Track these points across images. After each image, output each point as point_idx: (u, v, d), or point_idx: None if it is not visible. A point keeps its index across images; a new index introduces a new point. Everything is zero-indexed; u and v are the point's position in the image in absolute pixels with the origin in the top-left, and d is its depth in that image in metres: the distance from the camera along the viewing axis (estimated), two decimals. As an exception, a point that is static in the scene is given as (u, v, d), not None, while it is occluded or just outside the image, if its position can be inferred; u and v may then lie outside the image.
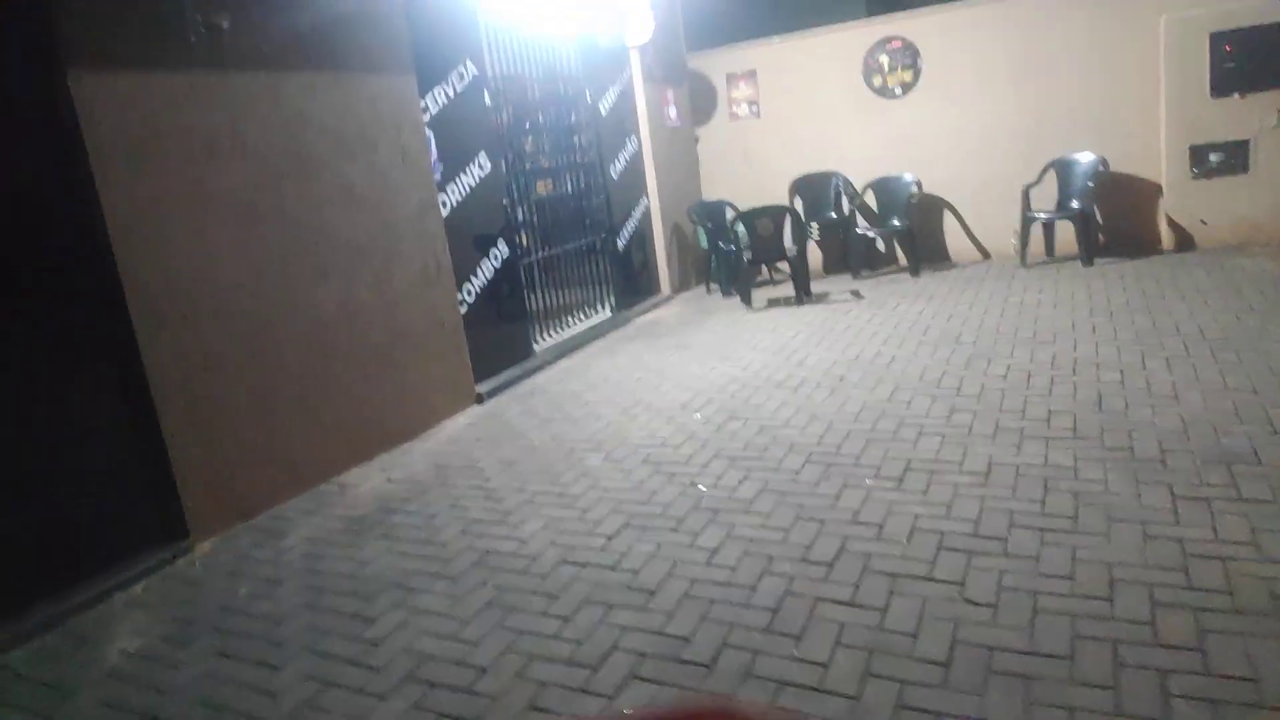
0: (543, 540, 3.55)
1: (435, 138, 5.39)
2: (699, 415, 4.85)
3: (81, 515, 3.55)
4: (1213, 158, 7.08)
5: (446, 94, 5.54)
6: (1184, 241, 7.38)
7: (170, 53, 3.82)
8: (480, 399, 5.62)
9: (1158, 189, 7.44)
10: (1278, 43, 6.68)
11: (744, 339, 6.44)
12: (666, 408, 5.07)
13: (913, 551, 3.12)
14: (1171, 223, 7.39)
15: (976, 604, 2.76)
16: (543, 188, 8.62)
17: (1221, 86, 6.92)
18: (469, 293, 5.67)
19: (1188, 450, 3.62)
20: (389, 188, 4.96)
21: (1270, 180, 6.92)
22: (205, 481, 3.91)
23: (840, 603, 2.86)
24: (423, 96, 5.30)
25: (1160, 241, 7.55)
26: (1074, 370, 4.76)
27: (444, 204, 5.45)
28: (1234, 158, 7.01)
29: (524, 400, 5.60)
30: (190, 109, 3.89)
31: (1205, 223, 7.21)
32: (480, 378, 5.72)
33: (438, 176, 5.40)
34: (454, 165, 5.59)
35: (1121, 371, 4.63)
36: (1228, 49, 6.86)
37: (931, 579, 2.93)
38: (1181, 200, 7.29)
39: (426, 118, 5.33)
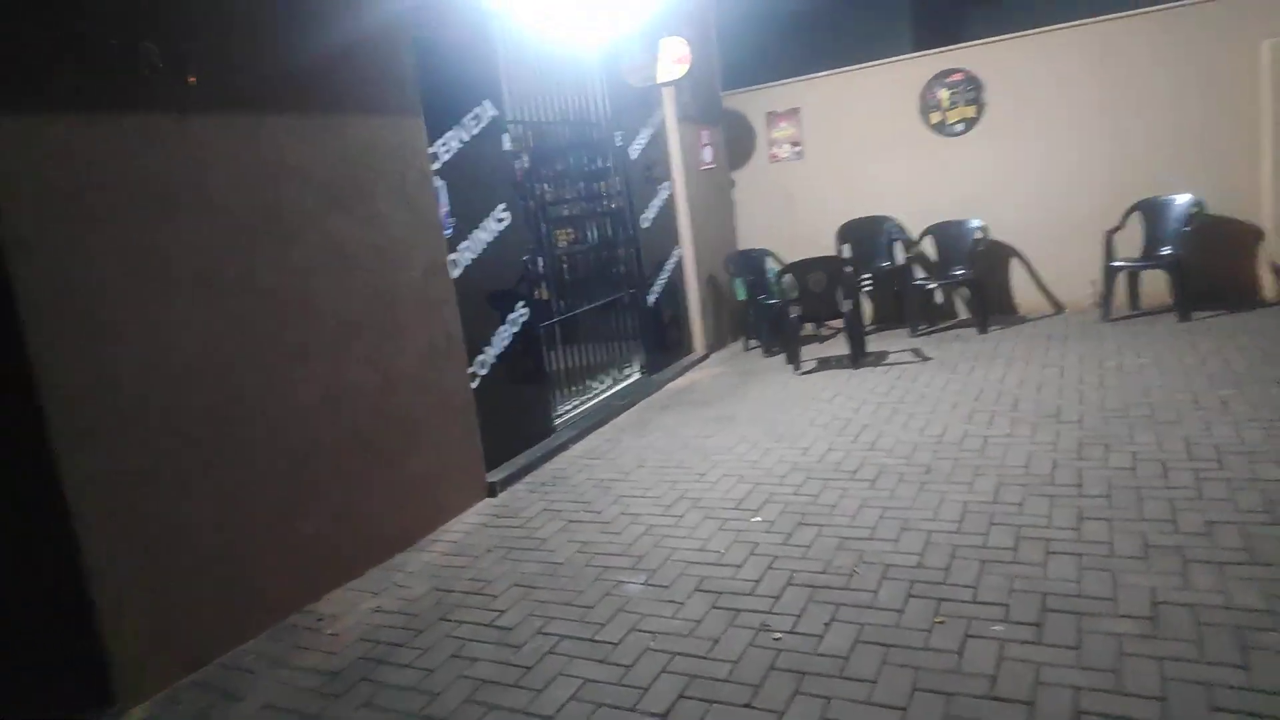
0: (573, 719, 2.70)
1: (447, 188, 4.64)
2: (759, 518, 4.00)
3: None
4: (1327, 198, 6.22)
5: (460, 138, 4.79)
6: (1292, 292, 6.49)
7: (118, 90, 3.08)
8: (493, 490, 4.79)
9: (1259, 233, 6.57)
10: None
11: (798, 411, 5.59)
12: (718, 505, 4.22)
13: (1088, 754, 2.25)
14: (1276, 270, 6.50)
15: None
16: (564, 238, 7.90)
17: (1337, 118, 6.08)
18: (482, 365, 4.87)
19: None
20: (390, 248, 4.20)
21: (1398, 223, 6.05)
22: (143, 627, 3.09)
23: None
24: (432, 142, 4.56)
25: (1261, 291, 6.66)
26: (1219, 462, 3.87)
27: (455, 263, 4.69)
28: (1352, 198, 6.14)
29: (544, 492, 4.76)
30: (141, 156, 3.15)
31: (1320, 271, 6.33)
32: (493, 464, 4.90)
33: (449, 232, 4.64)
34: (468, 219, 4.82)
35: (1284, 465, 3.74)
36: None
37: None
38: (1289, 246, 6.42)
39: (436, 165, 4.58)
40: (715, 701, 2.67)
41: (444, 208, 4.58)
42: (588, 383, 6.40)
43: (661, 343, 7.17)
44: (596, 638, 3.15)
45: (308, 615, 3.65)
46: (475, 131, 4.86)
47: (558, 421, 5.74)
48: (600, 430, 5.81)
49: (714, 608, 3.24)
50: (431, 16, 4.60)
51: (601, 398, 6.38)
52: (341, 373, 3.92)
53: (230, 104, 3.48)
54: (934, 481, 4.12)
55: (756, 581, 3.40)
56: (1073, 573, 3.12)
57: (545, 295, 8.08)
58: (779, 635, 2.99)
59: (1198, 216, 6.41)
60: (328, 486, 3.82)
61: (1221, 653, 2.56)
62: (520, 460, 5.10)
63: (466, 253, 4.78)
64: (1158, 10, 6.70)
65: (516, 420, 5.20)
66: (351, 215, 4.01)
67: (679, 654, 2.96)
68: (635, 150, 6.82)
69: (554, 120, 6.13)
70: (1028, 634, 2.80)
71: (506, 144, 5.18)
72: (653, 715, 2.64)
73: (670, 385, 6.85)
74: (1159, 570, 3.06)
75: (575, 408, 6.06)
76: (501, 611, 3.44)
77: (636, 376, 6.92)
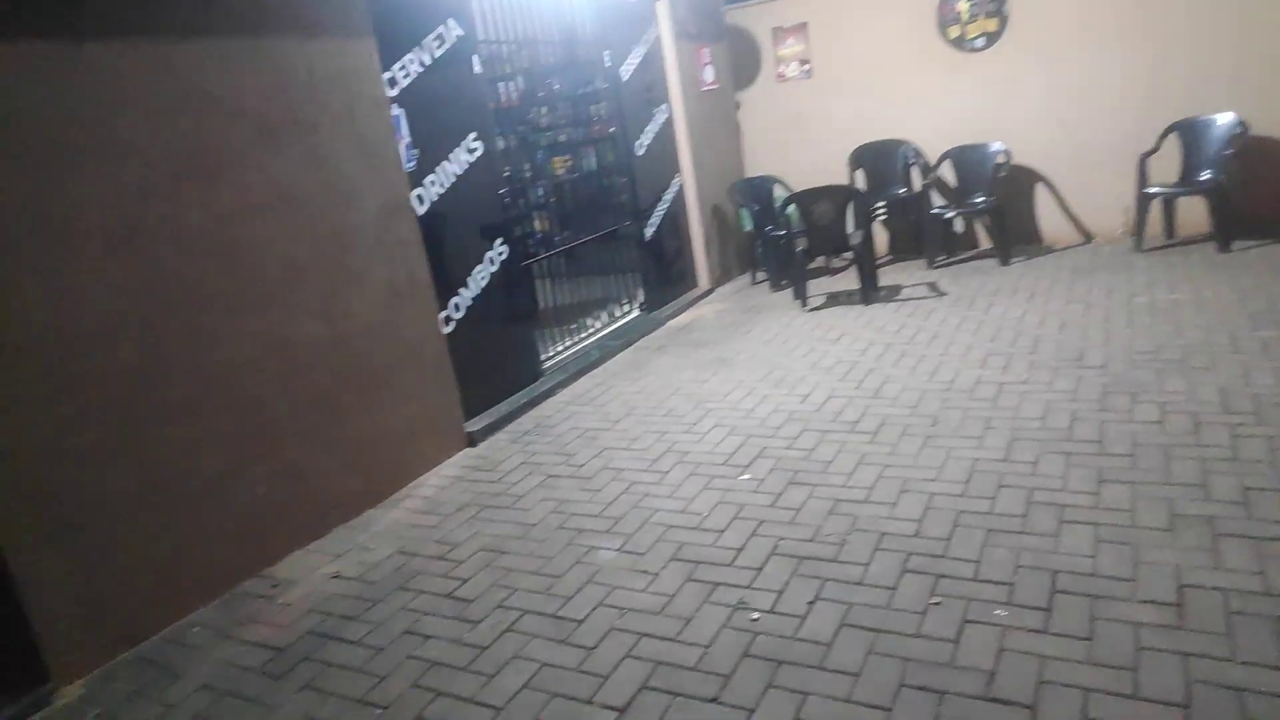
0: (523, 712, 2.44)
1: (407, 117, 4.24)
2: (748, 476, 3.69)
3: None
4: (1387, 114, 5.65)
5: (421, 61, 4.36)
6: (1343, 219, 5.97)
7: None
8: (473, 440, 4.51)
9: (1310, 155, 6.03)
10: None
11: (801, 352, 5.23)
12: (706, 460, 3.91)
13: (1096, 770, 1.96)
14: (1328, 196, 5.98)
15: None
16: (561, 165, 7.48)
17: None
18: (457, 308, 4.54)
19: None
20: (338, 185, 3.83)
21: None
22: (70, 603, 2.87)
23: None
24: (388, 66, 4.14)
25: (1310, 219, 6.15)
26: (1258, 416, 3.49)
27: (420, 200, 4.32)
28: None
29: (526, 442, 4.48)
30: (32, 93, 2.79)
31: (1375, 196, 5.79)
32: (473, 412, 4.61)
33: (411, 166, 4.26)
34: (434, 150, 4.43)
35: (1332, 419, 3.36)
36: None
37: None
38: (1342, 168, 5.88)
39: (394, 92, 4.18)
40: (680, 694, 2.40)
41: (404, 139, 4.18)
42: (582, 322, 6.06)
43: (662, 277, 6.79)
44: (560, 613, 2.88)
45: (263, 581, 3.42)
46: (439, 53, 4.43)
47: (546, 365, 5.42)
48: (592, 373, 5.49)
49: (690, 580, 2.96)
50: (388, -78, 4.14)
51: (596, 338, 6.04)
52: (290, 323, 3.61)
53: (139, 27, 3.09)
54: (940, 435, 3.78)
55: (738, 550, 3.10)
56: (1088, 547, 2.79)
57: (543, 226, 7.70)
58: (756, 615, 2.70)
59: (1241, 138, 5.86)
60: (278, 446, 3.54)
61: (1256, 649, 2.24)
62: (503, 407, 4.81)
63: (434, 187, 4.40)
64: (1206, -95, 6.04)
65: (499, 366, 4.89)
66: (291, 151, 3.63)
67: (646, 635, 2.69)
68: (627, 71, 6.32)
69: (534, 40, 5.65)
70: (1034, 620, 2.48)
71: (477, 66, 4.74)
72: (610, 709, 2.38)
73: (671, 322, 6.50)
74: (1186, 546, 2.72)
75: (566, 349, 5.74)
76: (464, 580, 3.18)
77: (635, 314, 6.57)
